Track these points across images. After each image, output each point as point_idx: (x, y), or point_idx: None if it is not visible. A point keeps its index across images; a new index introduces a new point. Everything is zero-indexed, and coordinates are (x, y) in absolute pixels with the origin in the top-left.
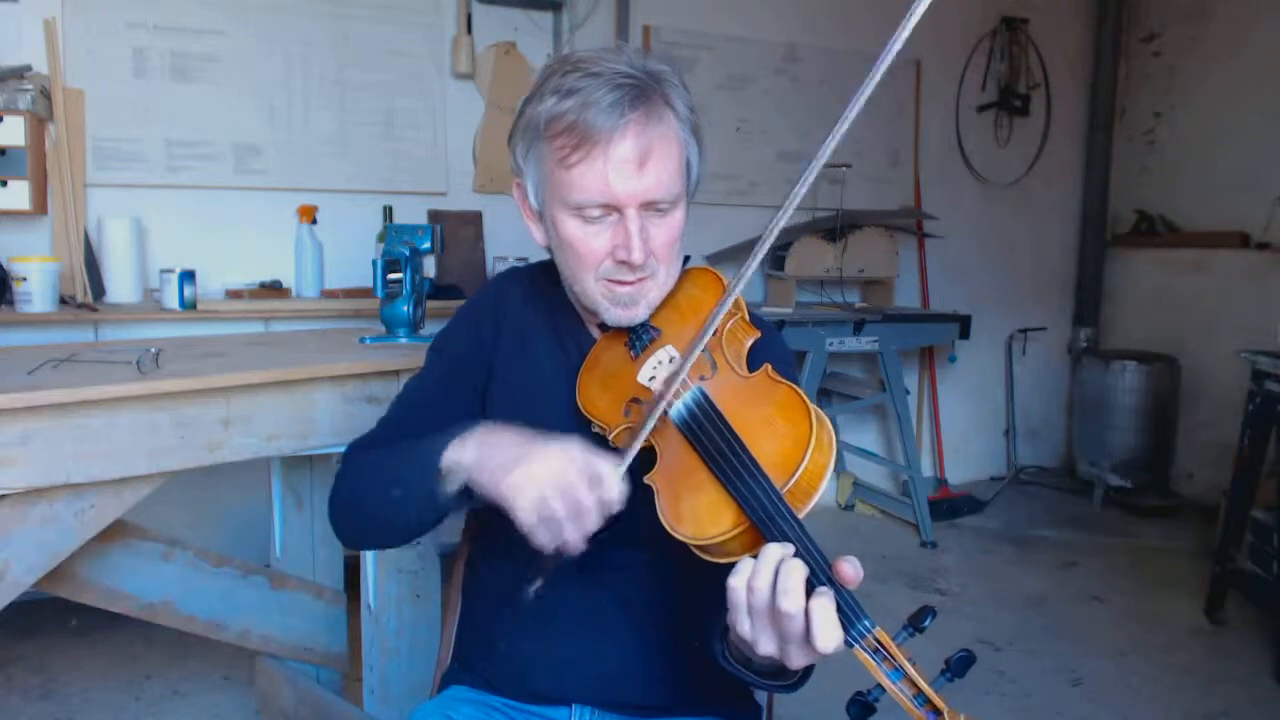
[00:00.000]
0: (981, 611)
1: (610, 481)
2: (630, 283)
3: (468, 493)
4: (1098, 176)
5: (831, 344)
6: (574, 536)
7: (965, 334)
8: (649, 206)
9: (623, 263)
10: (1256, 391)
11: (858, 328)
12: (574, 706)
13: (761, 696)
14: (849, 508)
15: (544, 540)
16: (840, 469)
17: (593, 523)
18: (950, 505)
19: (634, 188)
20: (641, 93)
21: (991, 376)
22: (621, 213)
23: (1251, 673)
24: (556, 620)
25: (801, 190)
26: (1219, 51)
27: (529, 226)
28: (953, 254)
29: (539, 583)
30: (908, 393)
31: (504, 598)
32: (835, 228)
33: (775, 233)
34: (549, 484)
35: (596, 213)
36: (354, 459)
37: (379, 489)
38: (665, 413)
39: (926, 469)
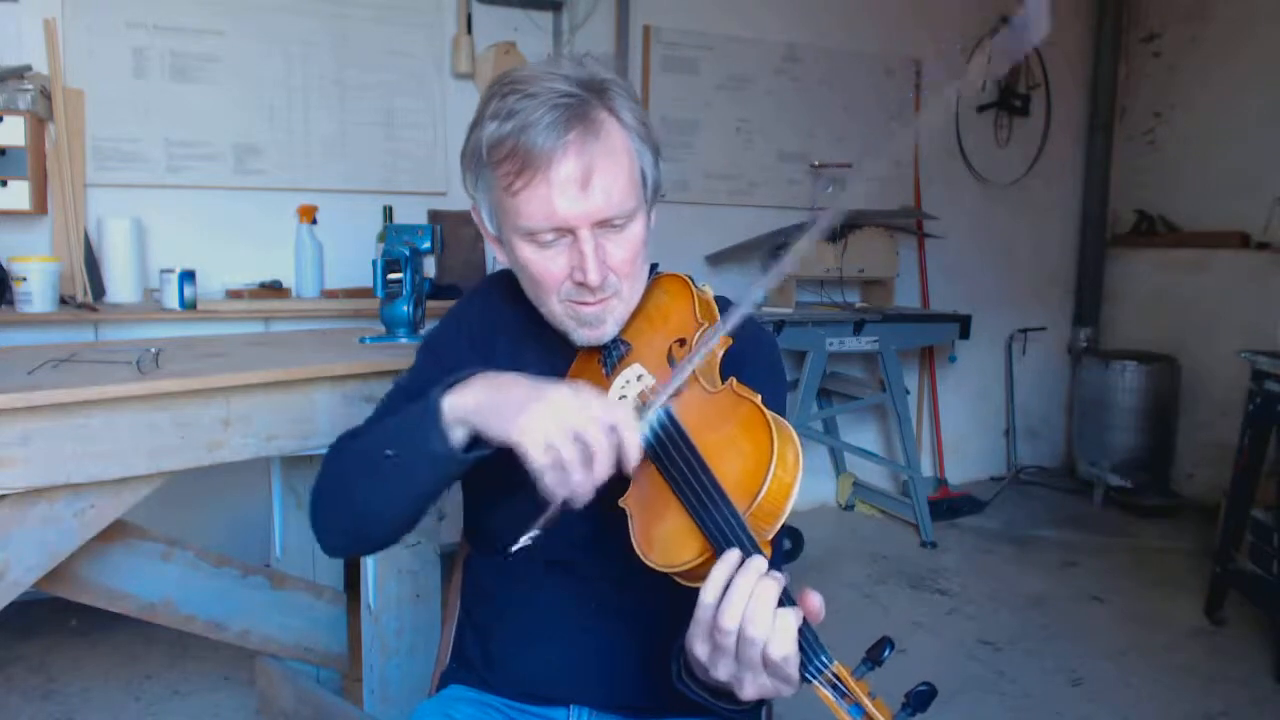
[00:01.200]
0: (981, 611)
1: (628, 428)
2: (592, 303)
3: (466, 449)
4: (1098, 176)
5: (831, 344)
6: (583, 484)
7: (965, 334)
8: (603, 224)
9: (581, 284)
10: (1256, 391)
11: (858, 328)
12: (572, 707)
13: None
14: (849, 508)
15: (552, 484)
16: (840, 469)
17: (604, 470)
18: (950, 505)
19: (581, 209)
20: (580, 109)
21: (991, 376)
22: (574, 234)
23: (1251, 673)
24: (554, 621)
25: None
26: (1219, 51)
27: (494, 249)
28: (953, 254)
29: (533, 533)
30: (908, 393)
31: (503, 598)
32: (835, 227)
33: (772, 277)
34: (562, 426)
35: (550, 236)
36: (340, 446)
37: (370, 461)
38: None
39: (926, 469)
